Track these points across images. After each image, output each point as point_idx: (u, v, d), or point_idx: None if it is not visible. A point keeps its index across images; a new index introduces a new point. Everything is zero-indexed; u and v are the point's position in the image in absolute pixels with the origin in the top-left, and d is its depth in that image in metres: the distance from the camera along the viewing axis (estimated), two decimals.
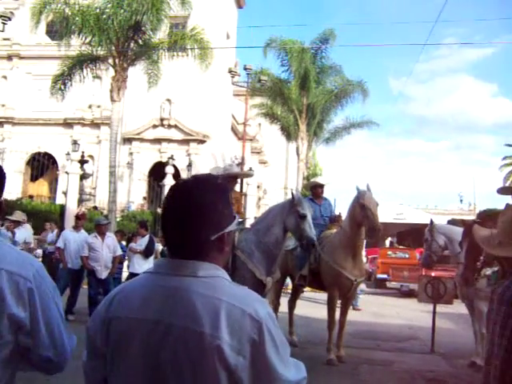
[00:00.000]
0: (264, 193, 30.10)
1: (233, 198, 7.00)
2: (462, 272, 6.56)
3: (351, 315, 8.73)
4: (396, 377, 6.64)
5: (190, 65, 20.39)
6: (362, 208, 6.61)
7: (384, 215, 25.47)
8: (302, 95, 23.80)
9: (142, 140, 29.96)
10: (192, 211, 1.40)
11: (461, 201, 58.40)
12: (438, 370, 7.06)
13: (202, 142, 29.46)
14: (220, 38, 27.74)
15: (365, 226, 6.73)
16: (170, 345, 1.33)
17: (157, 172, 26.71)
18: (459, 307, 9.52)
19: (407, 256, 19.44)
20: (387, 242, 37.26)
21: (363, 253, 16.79)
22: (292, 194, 6.28)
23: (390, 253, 20.86)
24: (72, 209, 20.01)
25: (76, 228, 10.38)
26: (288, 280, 8.80)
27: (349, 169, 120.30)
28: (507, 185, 8.68)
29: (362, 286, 14.56)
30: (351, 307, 13.78)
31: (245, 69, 23.74)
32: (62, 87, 19.66)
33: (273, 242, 6.07)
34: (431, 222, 7.89)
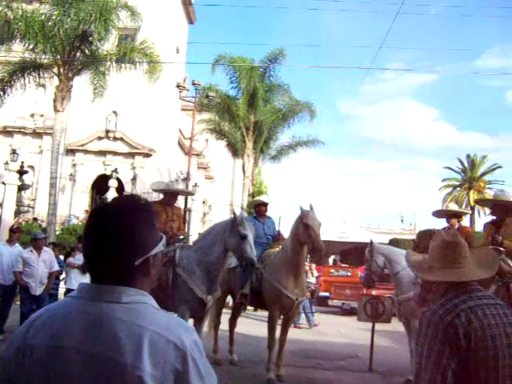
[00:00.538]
0: (209, 208, 29.99)
1: (174, 214, 6.90)
2: (419, 292, 6.71)
3: (294, 333, 8.75)
4: None
5: (137, 77, 20.14)
6: (305, 227, 6.65)
7: (328, 233, 25.94)
8: (249, 112, 23.96)
9: (86, 152, 29.27)
10: (112, 236, 1.34)
11: (402, 221, 60.30)
12: None
13: (147, 155, 29.10)
14: (170, 52, 27.62)
15: (308, 246, 6.77)
16: (90, 375, 1.25)
17: (100, 185, 26.12)
18: (398, 325, 9.71)
19: (349, 274, 19.72)
20: (330, 260, 37.85)
21: (314, 272, 17.02)
22: (234, 213, 6.24)
23: (332, 271, 21.11)
24: (8, 220, 19.16)
25: (10, 242, 9.93)
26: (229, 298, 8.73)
27: (296, 187, 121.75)
28: (445, 206, 9.03)
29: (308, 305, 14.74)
30: (292, 325, 13.96)
31: (193, 84, 23.69)
32: (2, 94, 18.94)
33: (214, 261, 6.02)
34: (371, 242, 8.03)
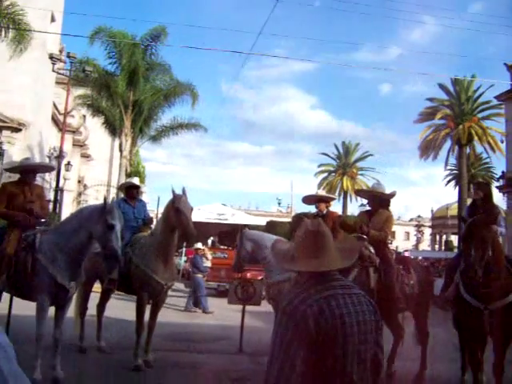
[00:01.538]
0: (85, 188, 28.70)
1: (34, 194, 6.46)
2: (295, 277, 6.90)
3: (164, 316, 8.65)
4: (203, 379, 6.71)
5: (4, 46, 18.52)
6: (177, 212, 6.57)
7: (206, 215, 26.04)
8: (129, 90, 23.09)
9: None
10: None
11: (279, 204, 62.43)
12: (244, 369, 7.30)
13: (16, 130, 26.99)
14: (43, 20, 25.69)
15: (179, 231, 6.70)
16: None
17: None
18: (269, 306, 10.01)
19: (225, 256, 19.94)
20: (209, 242, 38.11)
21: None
22: (105, 200, 5.96)
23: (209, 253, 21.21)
24: None
25: None
26: None
27: (176, 168, 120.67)
28: (320, 191, 9.41)
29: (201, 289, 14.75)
30: (202, 310, 13.96)
31: (68, 56, 22.31)
32: None
33: (78, 246, 5.74)
34: (242, 228, 8.18)
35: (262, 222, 28.87)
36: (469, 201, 24.72)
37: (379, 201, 6.88)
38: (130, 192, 7.77)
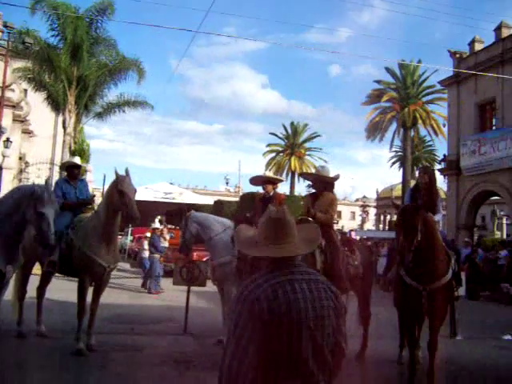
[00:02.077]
0: (26, 165, 27.66)
1: None
2: (236, 264, 6.93)
3: (108, 297, 8.49)
4: (146, 362, 6.63)
5: None
6: (120, 194, 6.42)
7: (153, 194, 25.70)
8: (73, 65, 22.20)
9: None
10: None
11: (227, 183, 62.45)
12: (188, 351, 7.29)
13: None
14: None
15: (122, 213, 6.56)
16: None
17: None
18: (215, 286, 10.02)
19: (172, 236, 19.75)
20: (156, 221, 37.72)
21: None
22: (34, 185, 5.71)
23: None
24: None
25: None
26: None
27: (123, 145, 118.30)
28: (267, 172, 9.49)
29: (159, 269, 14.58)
30: (152, 291, 13.83)
31: (5, 26, 21.16)
32: None
33: (14, 228, 5.50)
34: (187, 210, 8.12)
35: (210, 201, 28.83)
36: (412, 182, 25.46)
37: (323, 184, 6.97)
38: (72, 172, 7.53)
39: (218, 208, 25.53)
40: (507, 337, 9.68)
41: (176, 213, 27.19)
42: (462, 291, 10.66)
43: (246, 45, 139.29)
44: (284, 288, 2.09)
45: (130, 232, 26.45)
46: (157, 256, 14.74)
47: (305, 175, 9.12)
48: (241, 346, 1.99)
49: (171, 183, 30.81)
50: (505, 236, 36.03)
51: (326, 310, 2.15)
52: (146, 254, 17.62)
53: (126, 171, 6.65)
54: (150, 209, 30.59)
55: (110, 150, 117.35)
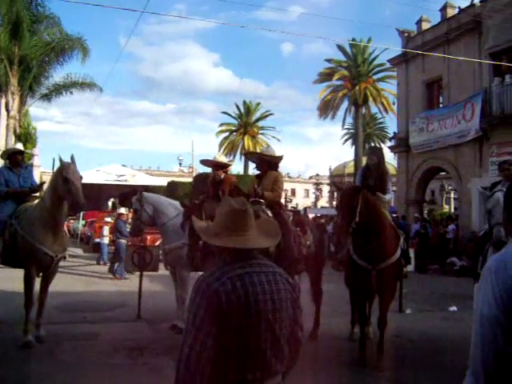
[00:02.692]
0: None
1: None
2: (187, 252, 6.86)
3: (58, 285, 8.27)
4: (98, 350, 6.52)
5: None
6: (65, 181, 6.23)
7: (105, 177, 25.16)
8: (13, 44, 21.24)
9: None
10: None
11: (180, 164, 61.78)
12: (142, 337, 7.23)
13: None
14: None
15: (68, 201, 6.37)
16: None
17: None
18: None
19: None
20: (109, 204, 37.09)
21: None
22: None
23: (108, 216, 20.73)
24: None
25: None
26: None
27: (73, 127, 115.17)
28: (217, 156, 9.37)
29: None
30: (116, 275, 13.61)
31: None
32: None
33: None
34: (139, 191, 7.99)
35: (164, 182, 28.46)
36: (364, 159, 25.88)
37: (267, 164, 6.99)
38: (15, 158, 7.25)
39: (172, 189, 25.29)
40: (453, 308, 10.06)
41: (129, 195, 26.75)
42: (411, 267, 11.00)
43: (197, 22, 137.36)
44: (243, 281, 2.09)
45: (81, 216, 25.88)
46: (123, 241, 14.53)
47: (249, 155, 9.11)
48: (199, 339, 1.98)
49: (124, 165, 30.13)
50: (453, 209, 37.25)
51: (284, 302, 2.17)
52: (106, 240, 17.39)
53: (72, 158, 6.46)
54: (102, 192, 30.02)
55: (61, 132, 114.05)
